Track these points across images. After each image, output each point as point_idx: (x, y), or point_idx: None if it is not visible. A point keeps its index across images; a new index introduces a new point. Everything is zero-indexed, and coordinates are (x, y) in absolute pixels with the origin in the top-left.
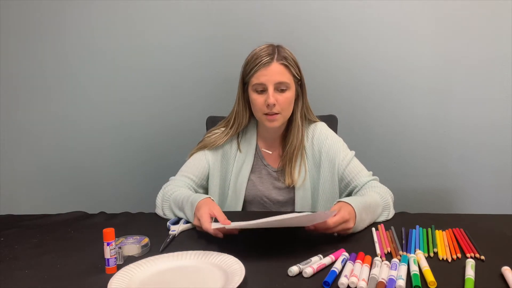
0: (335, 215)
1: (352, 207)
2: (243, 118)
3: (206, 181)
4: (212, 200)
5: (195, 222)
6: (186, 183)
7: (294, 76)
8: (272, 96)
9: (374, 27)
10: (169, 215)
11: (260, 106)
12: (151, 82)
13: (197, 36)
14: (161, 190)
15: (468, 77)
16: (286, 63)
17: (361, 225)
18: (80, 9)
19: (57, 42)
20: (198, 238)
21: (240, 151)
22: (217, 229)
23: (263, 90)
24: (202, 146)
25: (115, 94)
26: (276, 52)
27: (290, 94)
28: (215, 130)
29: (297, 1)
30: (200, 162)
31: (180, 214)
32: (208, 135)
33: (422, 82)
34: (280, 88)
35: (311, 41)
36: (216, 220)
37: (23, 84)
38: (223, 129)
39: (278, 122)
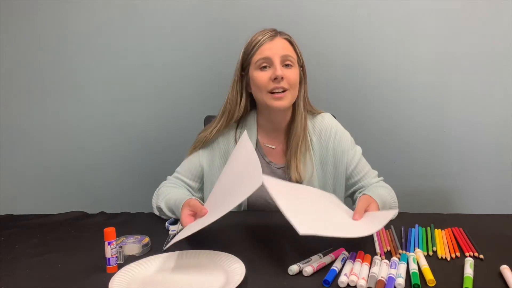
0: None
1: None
2: (236, 106)
3: (200, 182)
4: (191, 198)
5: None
6: (180, 184)
7: (297, 56)
8: (279, 68)
9: (372, 25)
10: (164, 217)
11: (265, 83)
12: (149, 82)
13: (195, 35)
14: (155, 191)
15: (468, 76)
16: (291, 40)
17: None
18: (79, 9)
19: (56, 42)
20: (198, 238)
21: None
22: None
23: (267, 66)
24: (196, 145)
25: (114, 94)
26: (279, 31)
27: (296, 72)
28: (206, 127)
29: (295, 0)
30: (192, 165)
31: (175, 216)
32: (200, 133)
33: (422, 81)
34: (285, 62)
35: (309, 39)
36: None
37: (22, 84)
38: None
39: (287, 100)
